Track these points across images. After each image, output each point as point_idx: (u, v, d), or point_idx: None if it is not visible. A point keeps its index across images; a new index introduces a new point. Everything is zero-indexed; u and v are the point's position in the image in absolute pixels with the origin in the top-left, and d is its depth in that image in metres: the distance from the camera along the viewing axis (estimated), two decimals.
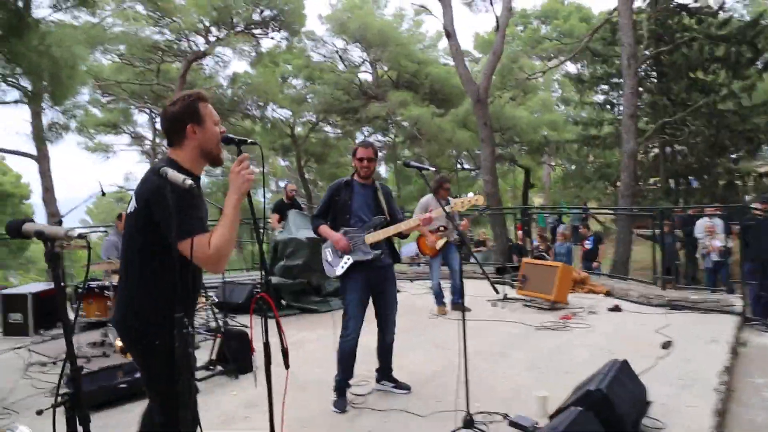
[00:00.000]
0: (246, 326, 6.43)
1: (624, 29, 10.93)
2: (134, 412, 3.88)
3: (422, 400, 3.94)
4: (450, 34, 11.71)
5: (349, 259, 3.85)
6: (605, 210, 17.53)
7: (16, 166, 29.42)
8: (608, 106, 16.52)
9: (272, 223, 9.08)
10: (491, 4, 13.18)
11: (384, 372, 4.20)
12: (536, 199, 30.19)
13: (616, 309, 6.53)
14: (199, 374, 4.55)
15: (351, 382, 4.01)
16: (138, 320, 2.12)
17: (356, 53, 22.58)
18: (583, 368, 4.08)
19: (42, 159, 14.24)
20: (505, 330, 5.81)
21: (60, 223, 6.61)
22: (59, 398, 1.46)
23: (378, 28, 19.89)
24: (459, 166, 26.80)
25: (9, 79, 10.35)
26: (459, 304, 6.75)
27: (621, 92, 13.76)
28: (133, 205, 2.11)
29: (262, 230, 2.67)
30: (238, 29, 20.24)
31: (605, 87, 16.75)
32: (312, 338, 5.93)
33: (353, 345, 3.87)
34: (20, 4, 7.28)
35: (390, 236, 3.97)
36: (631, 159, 11.14)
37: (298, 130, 26.09)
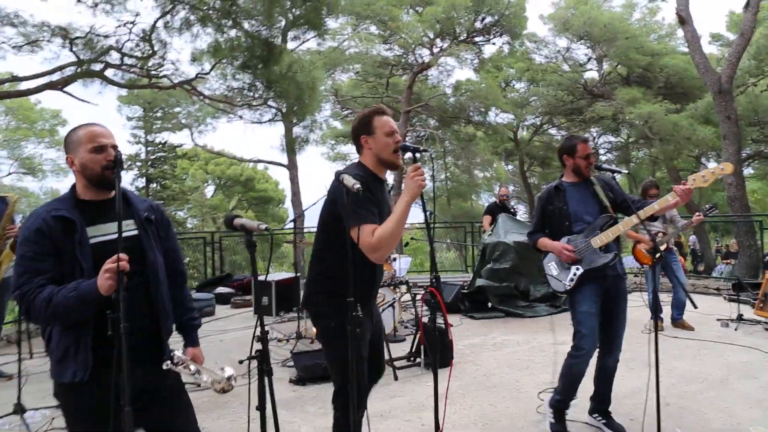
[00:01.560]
0: (450, 324, 6.76)
1: None
2: None
3: (615, 416, 3.72)
4: (684, 19, 10.43)
5: (578, 269, 3.36)
6: None
7: (275, 175, 34.86)
8: None
9: (483, 225, 9.27)
10: None
11: (600, 402, 3.58)
12: None
13: None
14: (399, 363, 4.95)
15: (542, 387, 3.94)
16: (315, 301, 2.53)
17: (581, 51, 21.49)
18: None
19: (291, 168, 16.67)
20: (733, 355, 5.06)
21: (299, 218, 7.78)
22: (253, 353, 1.90)
23: (605, 22, 18.61)
24: (704, 167, 23.61)
25: (270, 102, 12.48)
26: (679, 320, 6.13)
27: None
28: (322, 202, 2.53)
29: (432, 228, 2.87)
30: (461, 39, 20.90)
31: None
32: (513, 342, 5.95)
33: (587, 364, 3.36)
34: (275, 39, 8.81)
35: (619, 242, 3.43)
36: None
37: (522, 133, 25.81)
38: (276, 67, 8.28)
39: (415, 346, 5.19)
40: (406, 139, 19.96)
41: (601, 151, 25.63)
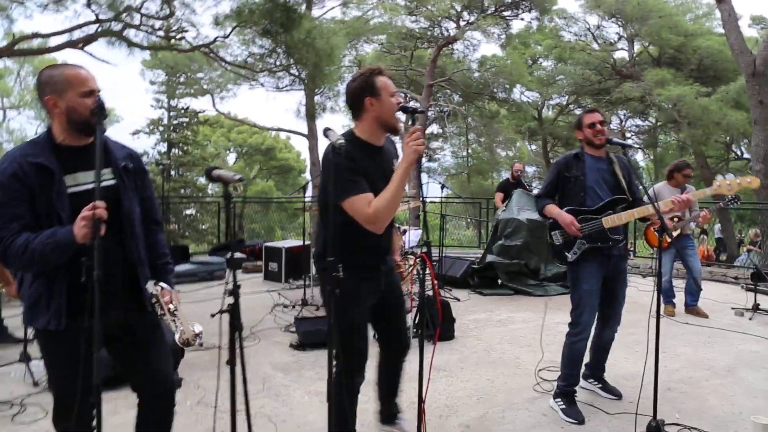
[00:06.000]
0: (458, 299, 6.73)
1: None
2: None
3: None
4: None
5: (583, 244, 3.32)
6: None
7: (297, 145, 34.87)
8: None
9: (496, 202, 9.16)
10: None
11: (594, 370, 3.74)
12: None
13: None
14: None
15: (541, 365, 3.91)
16: (319, 263, 2.51)
17: (612, 29, 20.84)
18: None
19: (311, 137, 16.64)
20: (744, 345, 4.93)
21: (307, 186, 7.76)
22: (225, 307, 1.88)
23: (638, 0, 17.98)
24: (734, 153, 22.93)
25: (291, 69, 12.39)
26: (693, 307, 5.99)
27: None
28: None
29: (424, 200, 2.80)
30: (489, 12, 20.43)
31: None
32: (518, 319, 5.90)
33: (587, 342, 3.41)
34: (299, 6, 8.67)
35: (627, 223, 3.38)
36: None
37: (546, 113, 25.32)
38: (295, 32, 8.16)
39: (417, 318, 5.17)
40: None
41: (628, 134, 25.04)
